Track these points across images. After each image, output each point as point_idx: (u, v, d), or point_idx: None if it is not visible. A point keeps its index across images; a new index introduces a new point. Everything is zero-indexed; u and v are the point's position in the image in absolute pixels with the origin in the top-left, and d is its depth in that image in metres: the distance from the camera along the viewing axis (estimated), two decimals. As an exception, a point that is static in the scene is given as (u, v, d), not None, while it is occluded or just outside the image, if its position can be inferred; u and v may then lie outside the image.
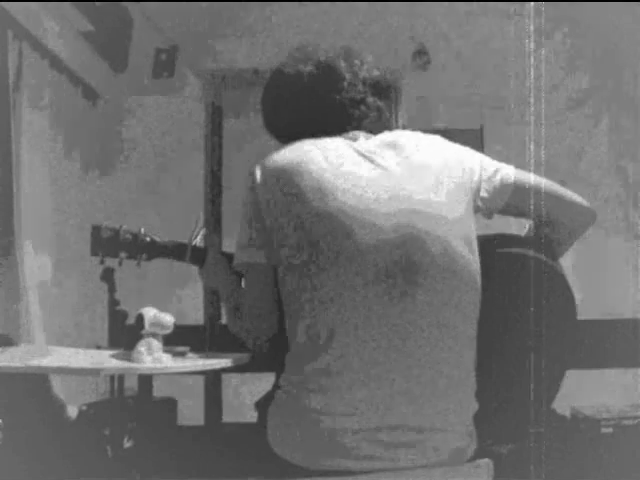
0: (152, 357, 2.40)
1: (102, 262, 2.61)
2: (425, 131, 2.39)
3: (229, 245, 2.48)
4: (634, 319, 3.80)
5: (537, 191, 2.34)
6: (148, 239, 2.56)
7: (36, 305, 3.98)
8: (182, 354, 2.51)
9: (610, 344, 3.76)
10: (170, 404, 4.13)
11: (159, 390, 3.81)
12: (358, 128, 2.33)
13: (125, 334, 2.73)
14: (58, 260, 4.28)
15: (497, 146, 3.75)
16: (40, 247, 4.09)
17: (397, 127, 2.44)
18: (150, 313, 2.44)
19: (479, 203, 2.28)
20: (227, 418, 4.20)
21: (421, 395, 2.14)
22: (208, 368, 2.55)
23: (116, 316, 3.04)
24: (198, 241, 2.59)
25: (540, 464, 2.96)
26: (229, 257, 2.45)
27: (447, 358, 2.16)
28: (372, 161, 2.23)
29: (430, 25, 4.98)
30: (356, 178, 2.19)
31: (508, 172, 2.33)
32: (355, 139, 2.29)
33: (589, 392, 3.86)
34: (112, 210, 4.65)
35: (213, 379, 4.18)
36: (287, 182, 2.20)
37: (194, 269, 2.58)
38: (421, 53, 4.98)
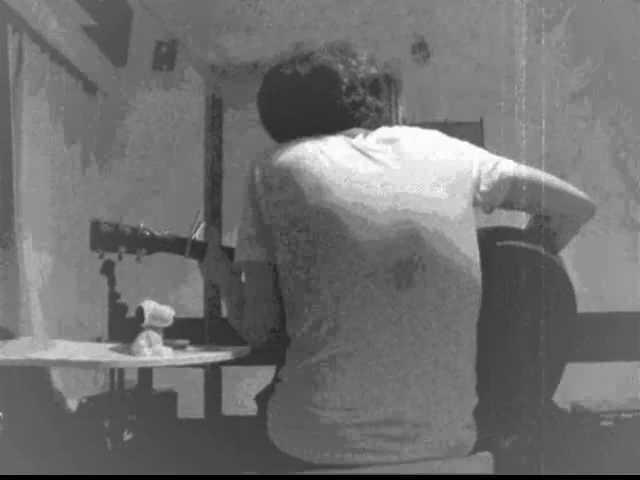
0: (152, 350, 2.40)
1: (102, 257, 2.60)
2: (425, 124, 2.39)
3: (229, 239, 2.48)
4: (634, 312, 3.80)
5: (536, 185, 2.34)
6: (148, 233, 2.56)
7: (36, 298, 3.98)
8: (182, 347, 2.51)
9: (610, 337, 3.76)
10: (170, 397, 4.14)
11: (159, 383, 3.81)
12: (358, 127, 2.32)
13: (125, 327, 2.73)
14: (58, 254, 4.28)
15: (497, 139, 3.75)
16: (40, 241, 4.09)
17: (397, 121, 2.44)
18: (150, 306, 2.44)
19: (478, 197, 2.28)
20: (227, 411, 4.20)
21: (421, 389, 2.14)
22: (208, 361, 2.55)
23: (116, 309, 3.04)
24: (198, 235, 2.59)
25: (540, 457, 2.97)
26: (229, 251, 2.45)
27: (447, 352, 2.17)
28: (371, 158, 2.23)
29: (430, 18, 4.97)
30: (355, 175, 2.19)
31: (507, 166, 2.33)
32: (353, 136, 2.29)
33: (589, 386, 3.87)
34: (112, 204, 4.66)
35: (213, 372, 4.18)
36: (286, 180, 2.20)
37: (194, 262, 2.58)
38: (421, 46, 4.98)
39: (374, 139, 2.28)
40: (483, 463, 2.25)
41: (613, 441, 3.63)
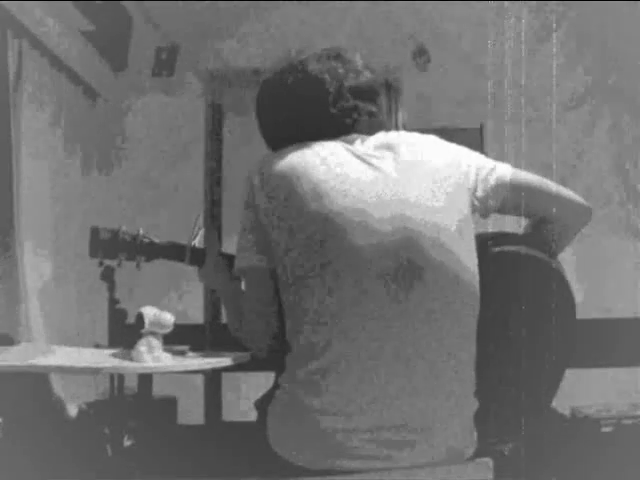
0: (152, 356, 2.40)
1: (101, 264, 2.60)
2: (425, 130, 2.39)
3: (229, 246, 2.48)
4: (634, 318, 3.81)
5: (533, 189, 2.33)
6: (147, 240, 2.55)
7: (36, 304, 3.99)
8: (182, 353, 2.51)
9: (610, 343, 3.76)
10: (170, 403, 4.14)
11: (159, 389, 3.81)
12: (352, 132, 2.32)
13: (125, 333, 2.73)
14: (58, 259, 4.29)
15: (497, 145, 3.76)
16: (40, 246, 4.09)
17: (397, 127, 2.44)
18: (150, 312, 2.44)
19: (476, 202, 2.28)
20: (227, 417, 4.21)
21: (421, 394, 2.14)
22: (208, 367, 2.55)
23: (116, 315, 3.05)
24: (197, 242, 2.59)
25: (540, 463, 2.97)
26: (229, 258, 2.45)
27: (446, 358, 2.16)
28: (369, 164, 2.23)
29: (430, 24, 4.98)
30: (353, 181, 2.19)
31: (504, 170, 2.33)
32: (351, 142, 2.29)
33: (589, 391, 3.87)
34: (112, 209, 4.66)
35: (213, 378, 4.19)
36: (285, 186, 2.20)
37: (194, 269, 2.58)
38: (421, 52, 4.98)
39: (372, 145, 2.28)
40: (483, 469, 2.25)
41: (613, 447, 3.64)
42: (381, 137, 2.31)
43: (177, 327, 2.47)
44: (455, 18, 4.91)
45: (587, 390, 3.80)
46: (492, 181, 2.30)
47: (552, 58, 4.83)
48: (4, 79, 3.83)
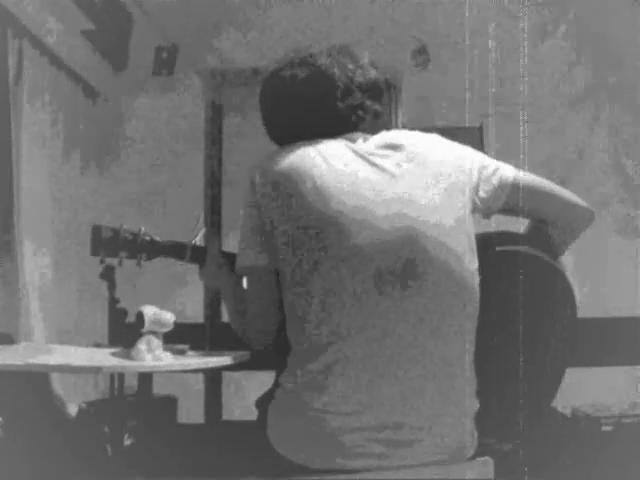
0: (152, 355, 2.40)
1: (102, 262, 2.60)
2: (425, 129, 2.39)
3: (229, 244, 2.48)
4: (634, 317, 3.80)
5: (535, 191, 2.33)
6: (148, 239, 2.56)
7: (36, 303, 3.99)
8: (182, 352, 2.51)
9: (610, 342, 3.76)
10: (170, 402, 4.14)
11: (159, 388, 3.81)
12: (356, 130, 2.32)
13: (125, 332, 2.73)
14: (58, 258, 4.28)
15: (497, 144, 3.75)
16: (40, 245, 4.09)
17: (397, 126, 2.44)
18: (150, 311, 2.44)
19: (477, 202, 2.28)
20: (227, 416, 4.20)
21: (422, 394, 2.14)
22: (208, 366, 2.55)
23: (116, 314, 3.04)
24: (198, 240, 2.59)
25: (540, 462, 2.96)
26: (229, 256, 2.45)
27: (447, 357, 2.16)
28: (371, 162, 2.22)
29: (430, 24, 4.98)
30: (355, 179, 2.19)
31: (507, 172, 2.33)
32: (354, 140, 2.28)
33: (590, 390, 3.87)
34: (112, 208, 4.66)
35: (213, 377, 4.18)
36: (287, 185, 2.20)
37: (194, 267, 2.58)
38: (421, 52, 4.98)
39: (374, 143, 2.28)
40: (484, 468, 2.25)
41: (613, 446, 3.63)
42: (383, 136, 2.31)
43: (177, 326, 2.47)
44: (455, 18, 4.90)
45: (587, 389, 3.80)
46: (495, 182, 2.30)
47: (552, 58, 4.84)
48: (4, 79, 3.82)
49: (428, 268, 2.16)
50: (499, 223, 2.40)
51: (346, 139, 2.28)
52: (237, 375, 4.26)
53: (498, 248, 2.35)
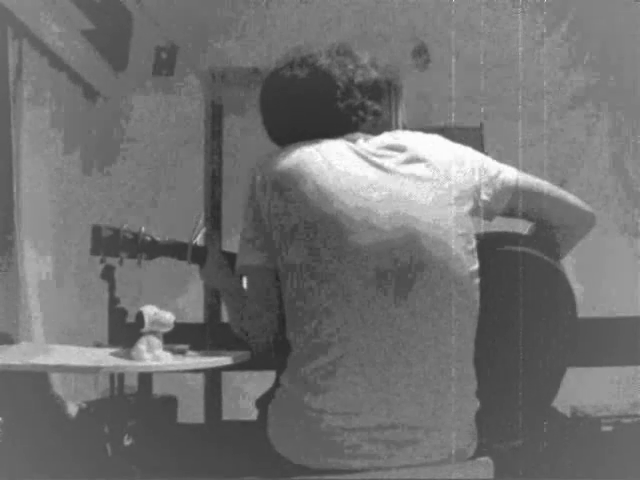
0: (152, 355, 2.40)
1: (102, 262, 2.61)
2: (425, 129, 2.39)
3: (229, 244, 2.48)
4: (634, 317, 3.80)
5: (538, 195, 2.34)
6: (149, 239, 2.56)
7: (36, 303, 3.98)
8: (182, 352, 2.51)
9: (610, 342, 3.76)
10: (170, 402, 4.13)
11: (159, 388, 3.81)
12: (356, 131, 2.32)
13: (125, 332, 2.73)
14: (58, 258, 4.28)
15: (497, 144, 3.75)
16: (40, 245, 4.09)
17: (397, 126, 2.43)
18: (150, 311, 2.44)
19: (480, 205, 2.28)
20: (227, 416, 4.20)
21: (421, 394, 2.14)
22: (208, 366, 2.55)
23: (116, 314, 3.04)
24: (198, 240, 2.59)
25: (540, 462, 2.96)
26: (230, 256, 2.45)
27: (447, 357, 2.17)
28: (371, 162, 2.23)
29: (430, 23, 4.97)
30: (356, 180, 2.19)
31: (509, 174, 2.33)
32: (354, 140, 2.28)
33: (589, 390, 3.87)
34: (112, 209, 4.65)
35: (213, 377, 4.18)
36: (287, 185, 2.20)
37: (194, 268, 2.58)
38: (421, 51, 4.98)
39: (375, 144, 2.28)
40: (483, 468, 2.25)
41: (613, 446, 3.63)
42: (384, 136, 2.31)
43: (177, 326, 2.47)
44: (455, 17, 4.90)
45: (587, 389, 3.80)
46: (497, 185, 2.30)
47: (552, 58, 4.83)
48: (4, 79, 3.82)
49: (428, 268, 2.16)
50: (499, 223, 2.40)
51: (346, 139, 2.28)
52: (237, 375, 4.25)
53: (498, 248, 2.35)
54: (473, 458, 2.24)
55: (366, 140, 2.29)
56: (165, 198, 5.00)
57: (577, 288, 2.38)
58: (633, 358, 3.68)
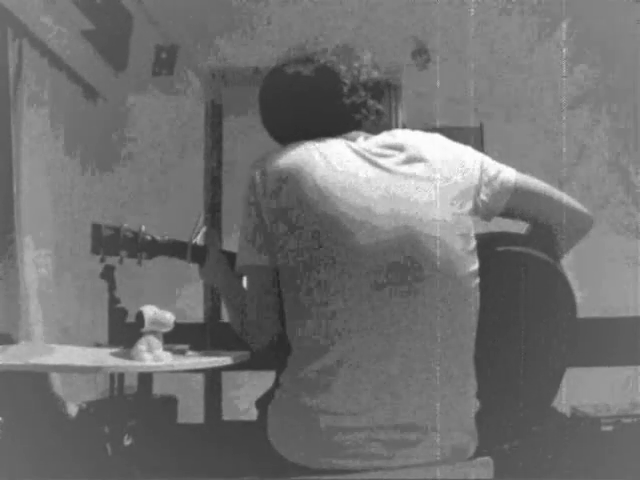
0: (152, 355, 2.40)
1: (102, 260, 2.60)
2: (425, 129, 2.39)
3: (229, 244, 2.48)
4: (634, 317, 3.81)
5: (537, 196, 2.34)
6: (149, 238, 2.56)
7: (36, 303, 3.98)
8: (182, 352, 2.51)
9: (610, 342, 3.76)
10: (170, 402, 4.13)
11: (159, 388, 3.81)
12: (358, 129, 2.32)
13: (125, 332, 2.73)
14: (58, 258, 4.28)
15: (497, 144, 3.75)
16: (40, 245, 4.09)
17: (397, 125, 2.44)
18: (150, 311, 2.44)
19: (479, 205, 2.28)
20: (227, 416, 4.20)
21: (421, 394, 2.14)
22: (208, 366, 2.55)
23: (116, 314, 3.04)
24: (198, 240, 2.59)
25: (540, 462, 2.97)
26: (230, 256, 2.45)
27: (447, 357, 2.16)
28: (371, 162, 2.23)
29: (430, 23, 4.98)
30: (356, 179, 2.19)
31: (509, 175, 2.33)
32: (354, 139, 2.28)
33: (589, 390, 3.87)
34: (112, 208, 4.66)
35: (213, 377, 4.19)
36: (286, 184, 2.20)
37: (194, 267, 2.58)
38: (421, 51, 4.98)
39: (375, 143, 2.28)
40: (483, 468, 2.25)
41: (613, 446, 3.63)
42: (384, 135, 2.31)
43: (177, 326, 2.47)
44: (455, 18, 4.90)
45: (587, 389, 3.80)
46: (497, 185, 2.30)
47: (552, 58, 4.83)
48: (4, 78, 3.82)
49: (428, 268, 2.16)
50: (499, 224, 2.40)
51: (346, 138, 2.28)
52: (237, 375, 4.26)
53: (498, 248, 2.35)
54: (473, 458, 2.23)
55: (366, 139, 2.29)
56: (165, 197, 5.01)
57: (576, 288, 2.38)
58: (633, 358, 3.68)
